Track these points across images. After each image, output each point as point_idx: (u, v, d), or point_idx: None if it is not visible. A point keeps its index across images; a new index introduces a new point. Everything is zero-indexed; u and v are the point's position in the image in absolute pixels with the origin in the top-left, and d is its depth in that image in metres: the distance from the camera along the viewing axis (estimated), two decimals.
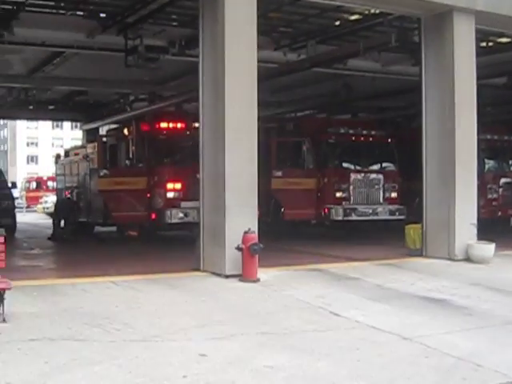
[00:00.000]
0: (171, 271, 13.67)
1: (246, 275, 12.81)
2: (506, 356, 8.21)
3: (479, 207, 17.30)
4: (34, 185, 56.19)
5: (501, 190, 23.97)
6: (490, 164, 24.62)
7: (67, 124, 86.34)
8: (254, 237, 12.94)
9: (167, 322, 9.45)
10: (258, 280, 12.80)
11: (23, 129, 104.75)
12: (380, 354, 8.23)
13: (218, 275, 13.19)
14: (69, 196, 26.16)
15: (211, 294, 11.74)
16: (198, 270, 13.83)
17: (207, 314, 10.19)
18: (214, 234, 13.53)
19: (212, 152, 13.70)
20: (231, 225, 13.07)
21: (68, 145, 49.88)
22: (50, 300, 10.77)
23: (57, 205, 26.35)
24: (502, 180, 24.15)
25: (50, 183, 50.16)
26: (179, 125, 21.57)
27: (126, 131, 21.82)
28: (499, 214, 23.53)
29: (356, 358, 8.05)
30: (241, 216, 13.10)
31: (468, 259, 15.90)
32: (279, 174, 22.26)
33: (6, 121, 78.22)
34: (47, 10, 17.88)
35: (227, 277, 12.98)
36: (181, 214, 19.65)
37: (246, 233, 12.83)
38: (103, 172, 21.76)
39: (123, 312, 10.04)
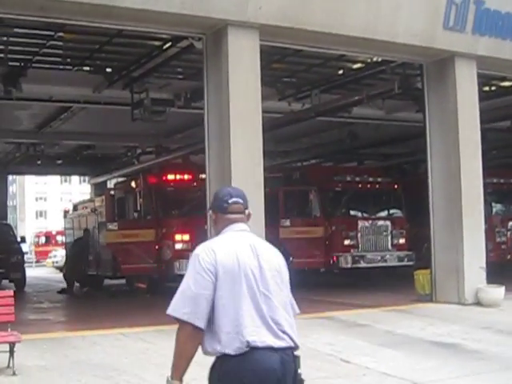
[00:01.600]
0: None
1: None
2: None
3: (488, 251, 17.26)
4: (43, 239, 56.37)
5: (509, 233, 23.95)
6: (497, 207, 24.64)
7: (75, 178, 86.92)
8: None
9: None
10: None
11: (32, 184, 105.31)
12: None
13: None
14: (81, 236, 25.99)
15: None
16: None
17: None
18: None
19: None
20: None
21: (76, 199, 50.15)
22: (60, 353, 10.76)
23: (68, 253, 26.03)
24: (511, 223, 24.13)
25: (59, 237, 50.24)
26: (186, 176, 21.71)
27: (133, 184, 21.94)
28: (508, 257, 23.46)
29: None
30: None
31: (478, 303, 15.81)
32: (287, 223, 22.32)
33: (14, 176, 78.82)
34: (54, 66, 18.20)
35: None
36: None
37: None
38: (111, 225, 21.86)
39: (133, 363, 10.02)
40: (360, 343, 11.67)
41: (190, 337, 4.02)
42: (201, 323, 3.98)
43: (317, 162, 30.90)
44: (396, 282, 21.11)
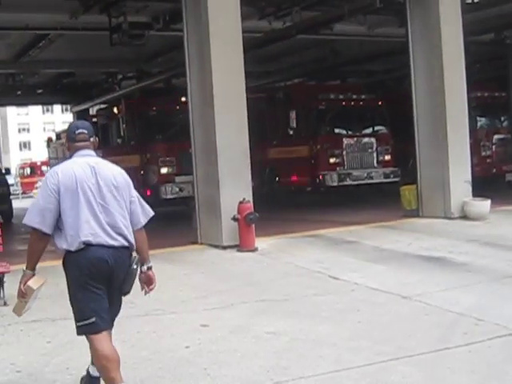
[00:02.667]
0: (169, 246, 13.69)
1: (243, 245, 12.84)
2: (505, 309, 8.27)
3: (473, 165, 17.30)
4: (28, 171, 56.17)
5: (494, 146, 23.96)
6: (482, 121, 24.58)
7: (57, 108, 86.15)
8: (250, 206, 12.96)
9: (168, 296, 9.48)
10: (256, 249, 12.83)
11: (14, 116, 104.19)
12: (380, 314, 8.29)
13: (216, 247, 13.24)
14: None
15: (210, 266, 11.79)
16: (195, 243, 13.87)
17: (207, 285, 10.24)
18: (210, 206, 13.55)
19: (202, 124, 13.69)
20: (226, 196, 13.09)
21: (59, 129, 49.66)
22: (50, 281, 10.58)
23: None
24: (495, 136, 24.12)
25: (44, 168, 50.06)
26: (168, 100, 21.45)
27: (115, 110, 21.70)
28: (494, 170, 23.53)
29: (356, 319, 8.10)
30: (235, 187, 13.13)
31: (464, 217, 15.93)
32: (272, 143, 22.32)
33: None
34: None
35: (225, 248, 13.02)
36: (176, 189, 19.60)
37: (241, 203, 12.85)
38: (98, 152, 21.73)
39: None
40: (348, 260, 11.79)
41: (39, 239, 5.36)
42: (47, 230, 5.31)
43: (300, 81, 30.60)
44: (382, 199, 21.20)
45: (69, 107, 43.24)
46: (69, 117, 53.15)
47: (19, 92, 29.42)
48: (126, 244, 5.45)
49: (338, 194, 23.10)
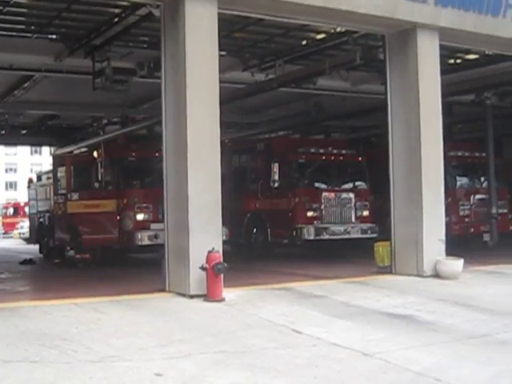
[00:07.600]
0: (136, 292, 13.56)
1: (210, 295, 12.71)
2: (464, 369, 8.19)
3: (452, 224, 17.31)
4: (11, 211, 55.98)
5: (473, 206, 24.05)
6: (461, 181, 24.72)
7: (46, 149, 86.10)
8: (218, 256, 12.85)
9: (126, 343, 9.34)
10: (223, 300, 12.70)
11: (1, 155, 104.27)
12: (338, 371, 8.16)
13: (183, 295, 13.10)
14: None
15: (174, 314, 11.64)
16: (163, 290, 13.73)
17: (168, 333, 10.09)
18: (179, 254, 13.44)
19: (175, 172, 13.64)
20: (195, 245, 12.98)
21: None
22: (10, 322, 10.63)
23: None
24: (474, 196, 24.23)
25: (27, 209, 49.84)
26: (147, 147, 21.46)
27: (95, 154, 21.70)
28: (472, 230, 23.56)
29: (313, 374, 7.97)
30: (205, 235, 13.02)
31: (436, 275, 15.88)
32: (252, 194, 22.48)
33: None
34: (14, 34, 17.85)
35: (192, 297, 12.88)
36: (151, 236, 19.54)
37: (209, 252, 12.74)
38: (73, 195, 21.69)
39: (82, 333, 9.92)
40: (314, 314, 11.66)
41: None
42: None
43: (283, 134, 30.70)
44: (358, 255, 21.15)
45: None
46: None
47: (3, 132, 29.34)
48: None
49: (314, 247, 23.01)
